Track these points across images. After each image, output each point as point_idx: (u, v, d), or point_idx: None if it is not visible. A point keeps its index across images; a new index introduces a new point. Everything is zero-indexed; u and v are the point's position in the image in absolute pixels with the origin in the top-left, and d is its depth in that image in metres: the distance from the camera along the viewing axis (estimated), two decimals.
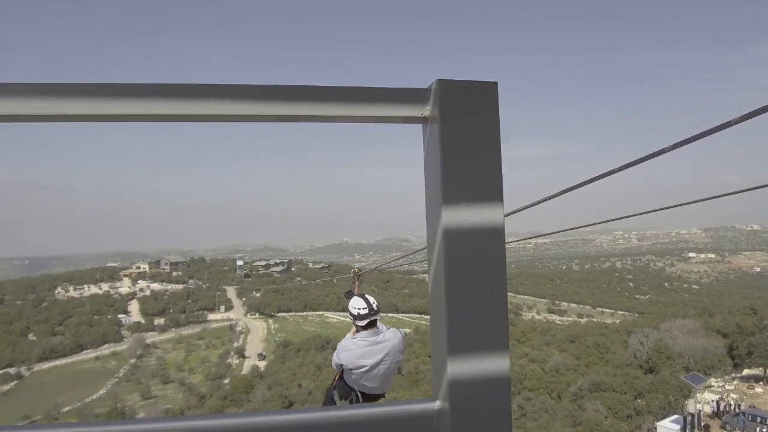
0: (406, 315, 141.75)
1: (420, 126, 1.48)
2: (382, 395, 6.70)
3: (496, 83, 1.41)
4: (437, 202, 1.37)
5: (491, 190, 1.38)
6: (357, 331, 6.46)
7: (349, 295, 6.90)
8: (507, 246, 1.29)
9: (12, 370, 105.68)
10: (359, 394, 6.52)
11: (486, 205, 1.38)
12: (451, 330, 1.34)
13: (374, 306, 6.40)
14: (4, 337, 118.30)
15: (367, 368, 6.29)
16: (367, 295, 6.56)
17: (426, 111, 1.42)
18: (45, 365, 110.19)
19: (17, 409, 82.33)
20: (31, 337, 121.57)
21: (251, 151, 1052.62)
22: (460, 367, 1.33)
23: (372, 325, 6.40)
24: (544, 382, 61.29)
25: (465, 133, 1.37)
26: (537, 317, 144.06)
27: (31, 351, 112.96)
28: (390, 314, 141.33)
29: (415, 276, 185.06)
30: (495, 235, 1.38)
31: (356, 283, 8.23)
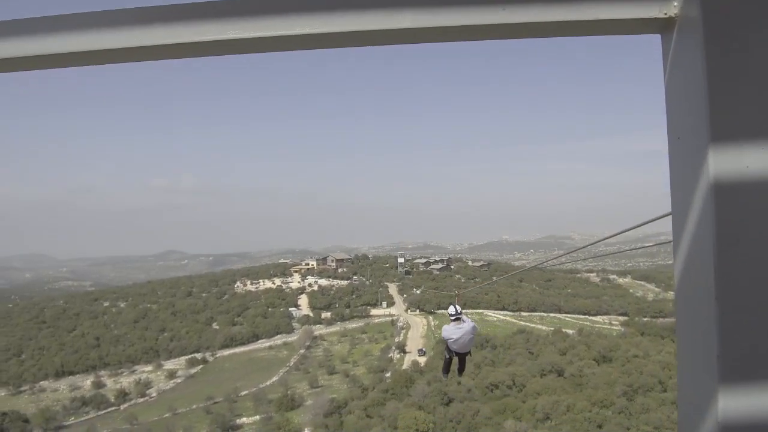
0: (568, 315, 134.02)
1: (657, 36, 1.07)
2: (468, 353, 12.91)
3: None
4: (698, 144, 0.93)
5: None
6: (451, 322, 12.43)
7: (449, 305, 12.71)
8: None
9: (198, 356, 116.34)
10: (454, 353, 12.73)
11: None
12: (725, 345, 0.87)
13: (458, 310, 12.25)
14: (193, 325, 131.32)
15: (454, 339, 12.33)
16: (457, 305, 12.32)
17: (673, 9, 0.99)
18: (226, 352, 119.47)
19: (203, 391, 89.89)
20: (215, 326, 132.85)
21: (408, 151, 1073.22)
22: (740, 403, 0.87)
23: (458, 320, 12.31)
24: None
25: (740, 39, 0.88)
26: None
27: (215, 339, 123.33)
28: (552, 314, 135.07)
29: (578, 275, 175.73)
30: None
31: (457, 299, 13.85)
